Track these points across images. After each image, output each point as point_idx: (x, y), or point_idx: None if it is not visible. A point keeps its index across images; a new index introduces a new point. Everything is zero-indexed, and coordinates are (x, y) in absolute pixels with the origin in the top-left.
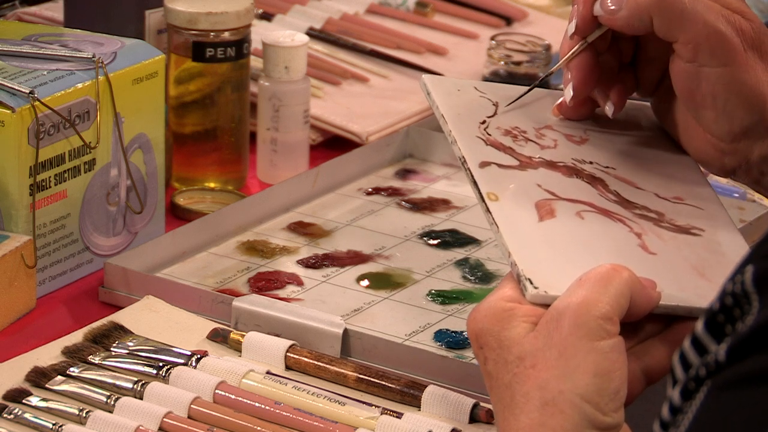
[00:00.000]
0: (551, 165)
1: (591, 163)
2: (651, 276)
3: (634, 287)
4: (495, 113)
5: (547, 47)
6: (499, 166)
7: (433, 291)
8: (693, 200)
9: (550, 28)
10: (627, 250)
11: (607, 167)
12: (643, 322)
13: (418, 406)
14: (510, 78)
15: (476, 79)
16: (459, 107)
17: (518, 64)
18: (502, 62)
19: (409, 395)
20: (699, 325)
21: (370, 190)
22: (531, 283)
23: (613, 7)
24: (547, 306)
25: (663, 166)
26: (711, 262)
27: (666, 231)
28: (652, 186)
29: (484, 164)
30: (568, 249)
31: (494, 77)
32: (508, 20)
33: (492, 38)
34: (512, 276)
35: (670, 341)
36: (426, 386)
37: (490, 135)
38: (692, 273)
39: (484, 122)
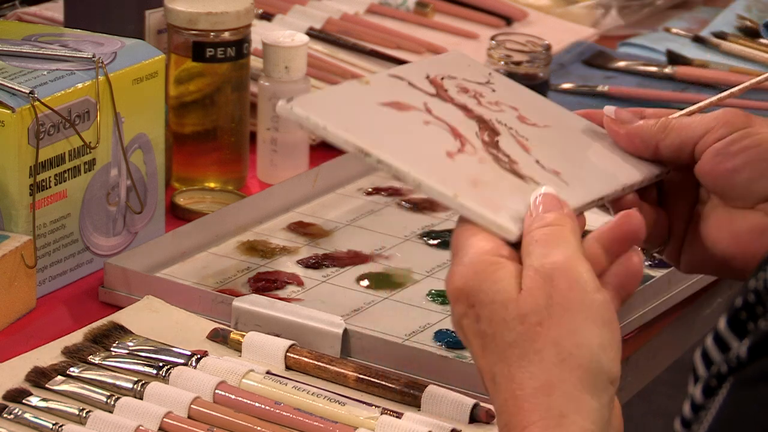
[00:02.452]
0: (464, 108)
1: (510, 128)
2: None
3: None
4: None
5: (547, 47)
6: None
7: (433, 291)
8: (570, 178)
9: (550, 28)
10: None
11: (522, 136)
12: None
13: (418, 406)
14: (510, 78)
15: None
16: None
17: (518, 64)
18: (502, 62)
19: (409, 395)
20: (722, 323)
21: (370, 190)
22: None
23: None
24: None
25: (593, 159)
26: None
27: (494, 164)
28: (543, 157)
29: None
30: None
31: None
32: (508, 20)
33: (492, 38)
34: (473, 227)
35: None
36: (426, 386)
37: (447, 90)
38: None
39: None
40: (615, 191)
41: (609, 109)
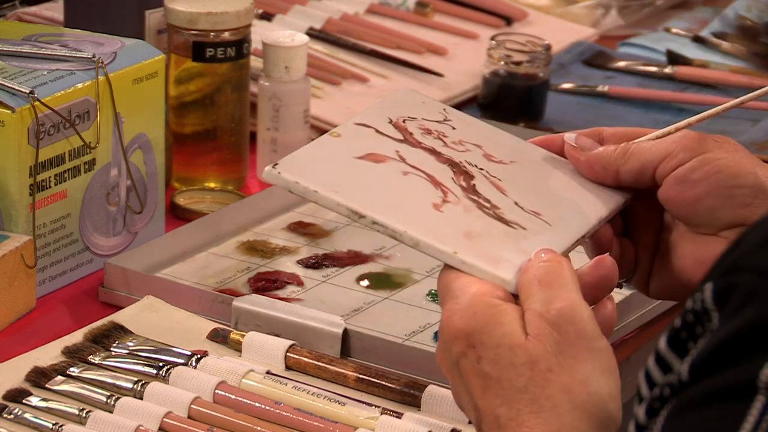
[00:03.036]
0: (433, 152)
1: (481, 169)
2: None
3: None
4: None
5: (547, 47)
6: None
7: (433, 291)
8: (550, 218)
9: (550, 28)
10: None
11: (494, 177)
12: None
13: (418, 406)
14: (510, 78)
15: (476, 79)
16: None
17: (518, 64)
18: (502, 62)
19: (409, 395)
20: (662, 342)
21: None
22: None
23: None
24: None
25: (565, 194)
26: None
27: (479, 211)
28: (520, 198)
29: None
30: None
31: (494, 77)
32: (508, 20)
33: (492, 38)
34: (459, 273)
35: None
36: (426, 386)
37: (411, 133)
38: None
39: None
40: (593, 226)
41: (569, 136)
